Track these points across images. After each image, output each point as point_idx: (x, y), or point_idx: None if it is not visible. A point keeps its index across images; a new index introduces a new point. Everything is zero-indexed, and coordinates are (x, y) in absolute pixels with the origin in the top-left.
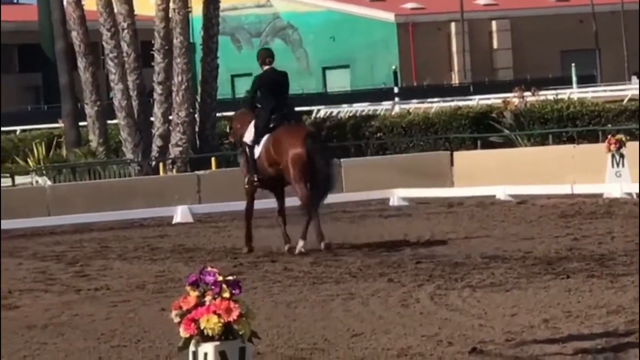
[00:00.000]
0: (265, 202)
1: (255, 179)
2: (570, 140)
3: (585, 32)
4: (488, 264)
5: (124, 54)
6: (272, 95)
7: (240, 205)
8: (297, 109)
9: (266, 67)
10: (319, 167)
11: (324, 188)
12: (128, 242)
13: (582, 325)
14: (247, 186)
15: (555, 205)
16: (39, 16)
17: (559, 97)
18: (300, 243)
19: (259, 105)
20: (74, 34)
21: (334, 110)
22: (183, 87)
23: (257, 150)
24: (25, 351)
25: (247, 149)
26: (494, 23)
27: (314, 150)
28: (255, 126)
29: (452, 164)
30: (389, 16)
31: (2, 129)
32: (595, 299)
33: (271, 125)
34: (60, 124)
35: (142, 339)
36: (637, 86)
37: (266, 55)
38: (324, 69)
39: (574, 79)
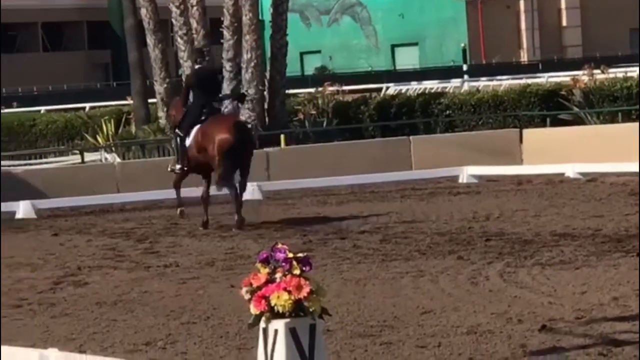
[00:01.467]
0: (336, 180)
1: (178, 169)
2: None
3: None
4: (557, 242)
5: (193, 31)
6: (201, 91)
7: (311, 182)
8: (366, 86)
9: (197, 66)
10: (241, 152)
11: (243, 171)
12: (197, 219)
13: None
14: (170, 171)
15: (624, 183)
16: None
17: (629, 75)
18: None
19: (191, 100)
20: (143, 11)
21: (403, 87)
22: (252, 64)
23: (188, 141)
24: (94, 328)
25: (178, 139)
26: (563, 0)
27: (239, 137)
28: (186, 119)
29: (521, 141)
30: None
31: (71, 105)
32: None
33: (202, 118)
34: (129, 101)
35: (211, 316)
36: None
37: (197, 56)
38: (393, 46)
39: None
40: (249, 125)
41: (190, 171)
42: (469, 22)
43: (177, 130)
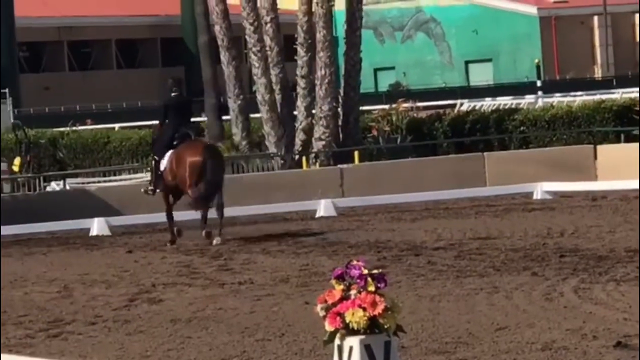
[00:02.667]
0: (410, 196)
1: (150, 191)
2: None
3: None
4: (632, 258)
5: (267, 48)
6: (175, 117)
7: (385, 199)
8: (440, 102)
9: (172, 94)
10: (211, 173)
11: (211, 190)
12: (271, 237)
13: None
14: (144, 192)
15: None
16: (181, 10)
17: None
18: (203, 233)
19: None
20: (216, 27)
21: (477, 103)
22: (326, 80)
23: (162, 164)
24: (169, 344)
25: (154, 163)
26: (637, 16)
27: (210, 159)
28: (158, 143)
29: (595, 157)
30: (532, 10)
31: (145, 123)
32: None
33: (175, 143)
34: (203, 118)
35: (286, 333)
36: None
37: (172, 85)
38: (467, 62)
39: None
40: (219, 149)
41: (168, 193)
42: (543, 38)
43: (152, 154)
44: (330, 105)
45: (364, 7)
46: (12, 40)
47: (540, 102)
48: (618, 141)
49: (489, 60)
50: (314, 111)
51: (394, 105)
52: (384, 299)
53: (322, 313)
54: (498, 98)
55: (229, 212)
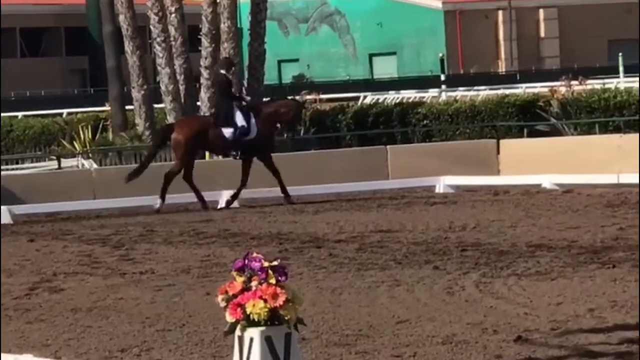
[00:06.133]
0: (312, 188)
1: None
2: (617, 129)
3: (633, 22)
4: (534, 253)
5: (171, 38)
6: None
7: (290, 190)
8: (343, 95)
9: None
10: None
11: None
12: (173, 226)
13: (628, 315)
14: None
15: (601, 194)
16: None
17: (606, 86)
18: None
19: None
20: (121, 17)
21: (381, 97)
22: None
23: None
24: (69, 334)
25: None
26: (541, 11)
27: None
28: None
29: (498, 152)
30: (437, 3)
31: (48, 111)
32: None
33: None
34: (106, 108)
35: (187, 323)
36: None
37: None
38: (371, 55)
39: (621, 68)
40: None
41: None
42: (447, 31)
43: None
44: None
45: None
46: None
47: (443, 96)
48: (521, 136)
49: (393, 53)
50: None
51: (297, 97)
52: (285, 291)
53: (223, 304)
54: (402, 91)
55: (131, 202)
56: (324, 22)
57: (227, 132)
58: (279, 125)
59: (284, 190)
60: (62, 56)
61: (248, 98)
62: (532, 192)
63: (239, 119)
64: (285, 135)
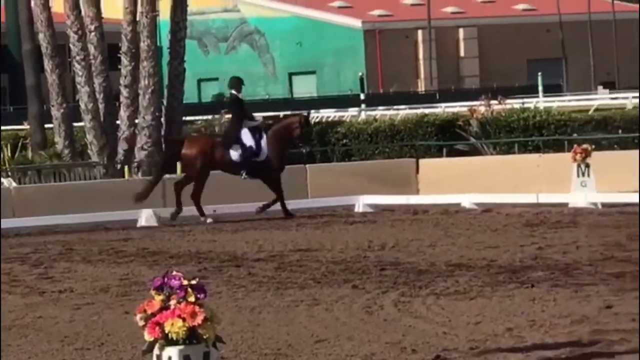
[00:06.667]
0: (231, 207)
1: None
2: (536, 149)
3: (552, 41)
4: (452, 272)
5: (91, 57)
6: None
7: (207, 209)
8: (263, 114)
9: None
10: None
11: None
12: (92, 245)
13: (546, 335)
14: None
15: (520, 214)
16: (5, 17)
17: (525, 105)
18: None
19: None
20: (41, 35)
21: None
22: (149, 90)
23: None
24: None
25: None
26: (461, 31)
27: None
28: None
29: (417, 171)
30: (356, 23)
31: None
32: (560, 309)
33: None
34: (26, 126)
35: (105, 342)
36: (603, 96)
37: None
38: (291, 74)
39: (540, 87)
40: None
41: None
42: (367, 51)
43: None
44: (153, 115)
45: (189, 17)
46: None
47: (363, 115)
48: (440, 155)
49: (313, 72)
50: (137, 121)
51: (217, 116)
52: (203, 310)
53: (141, 323)
54: (321, 110)
55: (50, 220)
56: (244, 41)
57: (235, 152)
58: (290, 142)
59: (284, 209)
60: None
61: (260, 118)
62: (451, 212)
63: (247, 139)
64: (302, 149)
